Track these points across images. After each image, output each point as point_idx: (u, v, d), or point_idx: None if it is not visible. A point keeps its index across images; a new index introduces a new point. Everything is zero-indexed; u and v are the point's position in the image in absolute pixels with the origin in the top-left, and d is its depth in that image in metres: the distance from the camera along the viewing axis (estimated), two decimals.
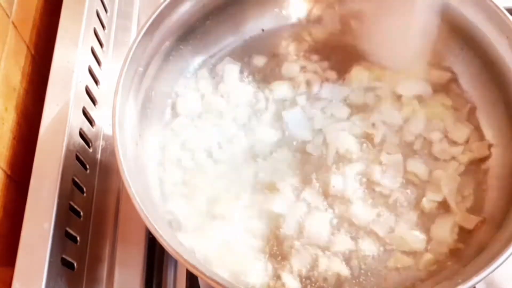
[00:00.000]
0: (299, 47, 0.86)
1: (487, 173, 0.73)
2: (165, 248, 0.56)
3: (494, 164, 0.73)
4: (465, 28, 0.76)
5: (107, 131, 0.85)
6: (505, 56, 0.71)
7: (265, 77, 0.84)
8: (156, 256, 0.76)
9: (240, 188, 0.73)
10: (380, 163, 0.74)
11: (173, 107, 0.80)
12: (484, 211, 0.71)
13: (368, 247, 0.69)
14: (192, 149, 0.76)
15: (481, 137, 0.76)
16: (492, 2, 0.71)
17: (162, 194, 0.73)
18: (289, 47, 0.87)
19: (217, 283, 0.53)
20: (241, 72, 0.84)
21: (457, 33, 0.78)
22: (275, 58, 0.85)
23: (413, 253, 0.69)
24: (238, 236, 0.69)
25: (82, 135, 0.78)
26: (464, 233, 0.70)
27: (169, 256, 0.77)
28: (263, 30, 0.87)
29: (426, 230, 0.70)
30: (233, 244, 0.68)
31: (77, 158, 0.75)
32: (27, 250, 0.65)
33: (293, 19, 0.87)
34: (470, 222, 0.69)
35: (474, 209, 0.71)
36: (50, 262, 0.65)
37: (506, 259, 0.57)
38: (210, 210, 0.71)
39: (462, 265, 0.63)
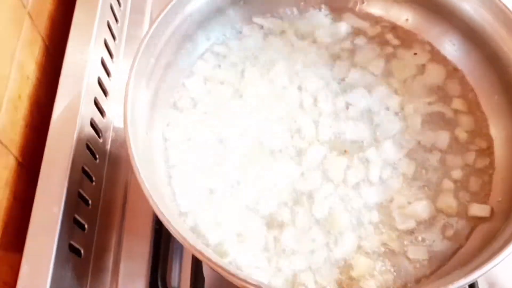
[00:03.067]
0: None
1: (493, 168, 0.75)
2: (172, 233, 0.57)
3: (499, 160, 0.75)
4: (473, 26, 0.78)
5: (118, 123, 0.86)
6: None
7: None
8: (162, 247, 0.77)
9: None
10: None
11: (183, 98, 0.80)
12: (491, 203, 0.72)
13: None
14: (201, 140, 0.77)
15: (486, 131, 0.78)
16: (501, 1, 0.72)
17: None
18: None
19: (223, 269, 0.54)
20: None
21: (466, 33, 0.80)
22: None
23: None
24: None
25: (93, 125, 0.79)
26: None
27: (174, 246, 0.77)
28: None
29: None
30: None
31: (88, 147, 0.76)
32: (36, 235, 0.66)
33: None
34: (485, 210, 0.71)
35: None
36: (58, 247, 0.66)
37: (506, 256, 0.58)
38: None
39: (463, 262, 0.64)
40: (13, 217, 0.70)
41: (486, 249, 0.63)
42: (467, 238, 0.70)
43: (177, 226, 0.56)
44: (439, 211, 0.72)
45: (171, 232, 0.57)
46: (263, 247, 0.68)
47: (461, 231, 0.70)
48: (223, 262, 0.56)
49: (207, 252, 0.55)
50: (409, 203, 0.72)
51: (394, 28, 0.86)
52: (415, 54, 0.84)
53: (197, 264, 0.74)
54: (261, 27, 0.87)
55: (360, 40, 0.86)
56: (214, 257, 0.55)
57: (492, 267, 0.57)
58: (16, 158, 0.72)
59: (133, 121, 0.66)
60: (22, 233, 0.67)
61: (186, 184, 0.73)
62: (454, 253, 0.69)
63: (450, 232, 0.70)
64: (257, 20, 0.87)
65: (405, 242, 0.69)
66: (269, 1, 0.87)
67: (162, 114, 0.77)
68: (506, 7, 0.72)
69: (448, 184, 0.73)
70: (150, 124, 0.73)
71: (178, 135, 0.77)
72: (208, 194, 0.72)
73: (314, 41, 0.85)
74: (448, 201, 0.72)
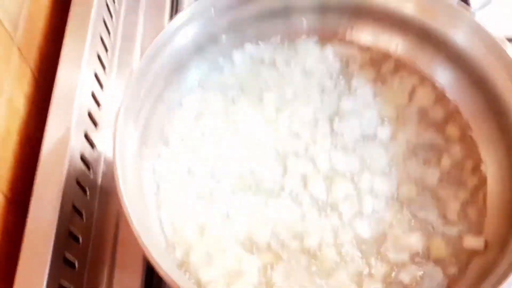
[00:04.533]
0: None
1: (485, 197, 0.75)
2: (162, 277, 0.56)
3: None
4: (463, 54, 0.78)
5: (109, 154, 0.85)
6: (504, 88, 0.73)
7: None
8: (153, 282, 0.76)
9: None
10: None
11: (173, 130, 0.79)
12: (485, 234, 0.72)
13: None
14: (191, 173, 0.76)
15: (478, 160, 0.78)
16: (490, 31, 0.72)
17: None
18: None
19: None
20: None
21: (456, 60, 0.80)
22: None
23: None
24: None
25: (83, 159, 0.78)
26: None
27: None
28: None
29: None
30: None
31: (78, 183, 0.75)
32: (24, 274, 0.65)
33: None
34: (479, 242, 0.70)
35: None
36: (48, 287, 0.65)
37: None
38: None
39: None
40: (2, 253, 0.69)
41: (482, 283, 0.62)
42: (462, 272, 0.69)
43: (168, 269, 0.55)
44: (432, 243, 0.71)
45: (161, 275, 0.56)
46: (256, 285, 0.67)
47: (456, 264, 0.70)
48: None
49: None
50: (403, 235, 0.71)
51: (383, 55, 0.86)
52: (405, 81, 0.84)
53: None
54: (252, 55, 0.86)
55: (350, 68, 0.85)
56: None
57: None
58: (5, 196, 0.71)
59: (123, 157, 0.66)
60: (11, 270, 0.66)
61: (177, 219, 0.72)
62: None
63: (445, 266, 0.69)
64: (248, 48, 0.87)
65: (399, 276, 0.69)
66: (260, 29, 0.86)
67: (153, 147, 0.76)
68: (496, 36, 0.72)
69: (440, 215, 0.73)
70: (140, 158, 0.73)
71: (169, 168, 0.76)
72: (199, 229, 0.71)
73: (304, 70, 0.85)
74: (442, 234, 0.71)
